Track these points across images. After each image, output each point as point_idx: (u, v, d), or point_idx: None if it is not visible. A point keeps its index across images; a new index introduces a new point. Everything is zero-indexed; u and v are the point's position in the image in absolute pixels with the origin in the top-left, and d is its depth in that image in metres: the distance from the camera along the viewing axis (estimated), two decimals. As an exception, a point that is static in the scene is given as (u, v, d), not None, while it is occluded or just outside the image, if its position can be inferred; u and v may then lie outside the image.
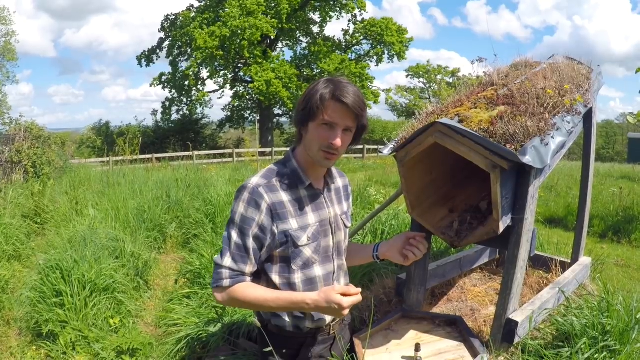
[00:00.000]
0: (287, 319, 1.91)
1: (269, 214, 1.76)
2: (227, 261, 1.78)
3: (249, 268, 1.80)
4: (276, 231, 1.78)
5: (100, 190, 7.87)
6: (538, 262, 3.56)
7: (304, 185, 1.85)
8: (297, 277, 1.85)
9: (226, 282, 1.78)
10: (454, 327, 2.41)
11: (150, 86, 33.04)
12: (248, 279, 1.81)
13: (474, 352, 2.15)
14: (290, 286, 1.85)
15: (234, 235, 1.77)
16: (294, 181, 1.84)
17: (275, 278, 1.85)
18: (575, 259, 3.36)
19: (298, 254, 1.82)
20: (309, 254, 1.85)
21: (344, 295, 1.67)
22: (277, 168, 1.87)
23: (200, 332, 3.57)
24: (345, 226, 2.03)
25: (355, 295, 1.69)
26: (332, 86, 1.72)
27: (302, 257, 1.83)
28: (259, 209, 1.75)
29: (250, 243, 1.77)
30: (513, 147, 2.05)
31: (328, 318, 1.95)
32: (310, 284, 1.87)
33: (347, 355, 2.02)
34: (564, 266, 3.36)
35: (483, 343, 2.25)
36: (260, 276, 1.88)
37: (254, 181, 1.78)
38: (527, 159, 1.99)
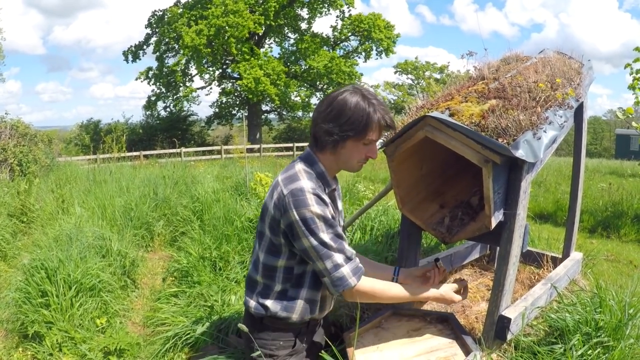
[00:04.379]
0: (294, 313, 1.98)
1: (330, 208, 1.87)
2: (339, 258, 1.84)
3: (350, 246, 1.91)
4: None
5: (86, 188, 7.73)
6: (529, 258, 3.55)
7: (330, 188, 1.95)
8: (309, 268, 1.95)
9: (352, 281, 1.86)
10: (446, 324, 2.38)
11: (136, 80, 32.82)
12: (357, 259, 1.92)
13: (466, 350, 2.13)
14: (300, 276, 1.96)
15: (326, 236, 1.81)
16: (322, 183, 1.93)
17: (297, 267, 1.96)
18: (566, 254, 3.35)
19: None
20: None
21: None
22: (310, 170, 1.92)
23: (189, 331, 3.51)
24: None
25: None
26: (381, 110, 1.84)
27: None
28: (326, 204, 1.84)
29: (340, 229, 1.89)
30: (505, 141, 2.02)
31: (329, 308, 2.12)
32: (316, 275, 1.95)
33: (338, 353, 2.00)
34: (555, 261, 3.35)
35: (475, 340, 2.22)
36: (279, 255, 1.94)
37: (306, 184, 1.83)
38: (520, 153, 1.96)
